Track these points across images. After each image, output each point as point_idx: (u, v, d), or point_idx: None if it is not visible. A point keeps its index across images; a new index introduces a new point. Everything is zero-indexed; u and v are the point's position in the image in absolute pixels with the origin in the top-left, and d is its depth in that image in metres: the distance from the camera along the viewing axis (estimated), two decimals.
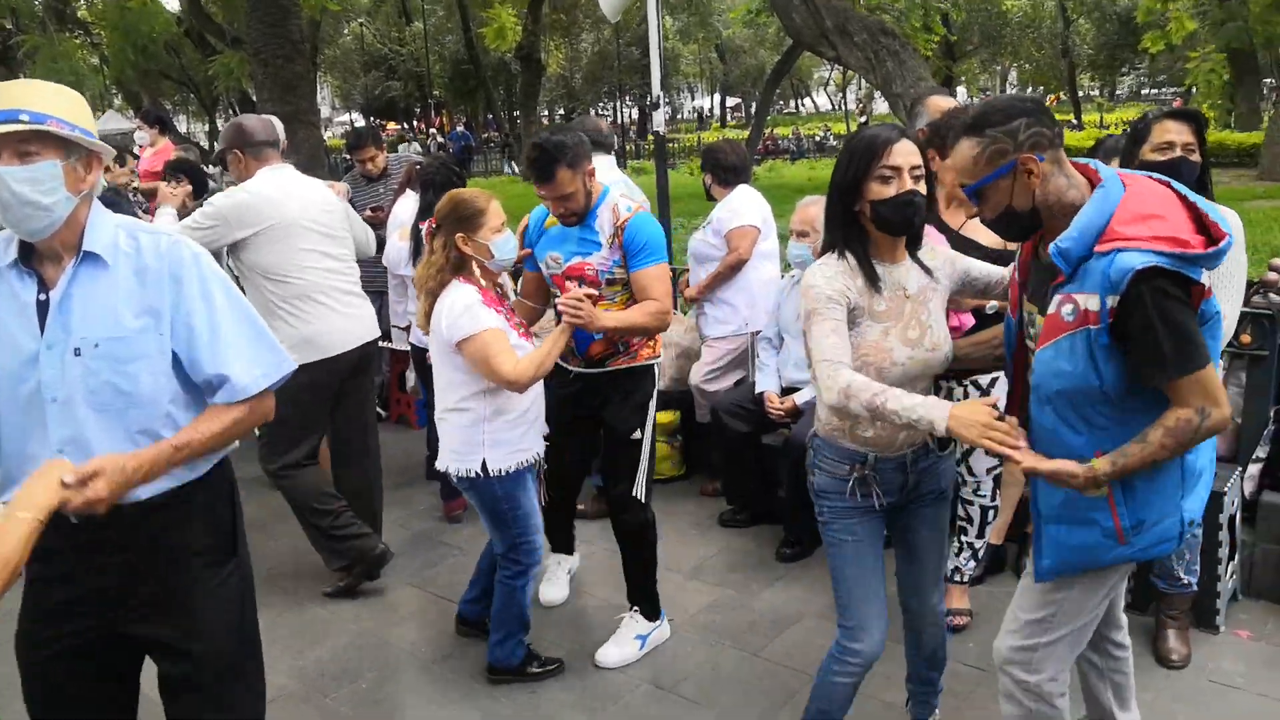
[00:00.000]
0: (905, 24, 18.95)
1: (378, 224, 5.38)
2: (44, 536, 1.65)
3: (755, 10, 22.50)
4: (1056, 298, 1.95)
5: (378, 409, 6.17)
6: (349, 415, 4.05)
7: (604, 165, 4.42)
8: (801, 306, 2.24)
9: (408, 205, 4.59)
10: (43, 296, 1.92)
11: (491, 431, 3.00)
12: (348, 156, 5.76)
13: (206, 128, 37.11)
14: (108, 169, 6.23)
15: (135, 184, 7.31)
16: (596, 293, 3.16)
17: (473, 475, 3.01)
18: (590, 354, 3.30)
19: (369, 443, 4.16)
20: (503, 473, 3.00)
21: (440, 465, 3.09)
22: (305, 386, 3.55)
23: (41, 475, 1.73)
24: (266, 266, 3.66)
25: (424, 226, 3.24)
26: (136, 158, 7.29)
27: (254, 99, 12.97)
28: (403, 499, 4.90)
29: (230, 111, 34.23)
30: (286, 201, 3.66)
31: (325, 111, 46.81)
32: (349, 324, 3.82)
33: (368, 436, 4.15)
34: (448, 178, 4.02)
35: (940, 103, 3.60)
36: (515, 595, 3.19)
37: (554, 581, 3.83)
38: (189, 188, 4.40)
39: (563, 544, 3.89)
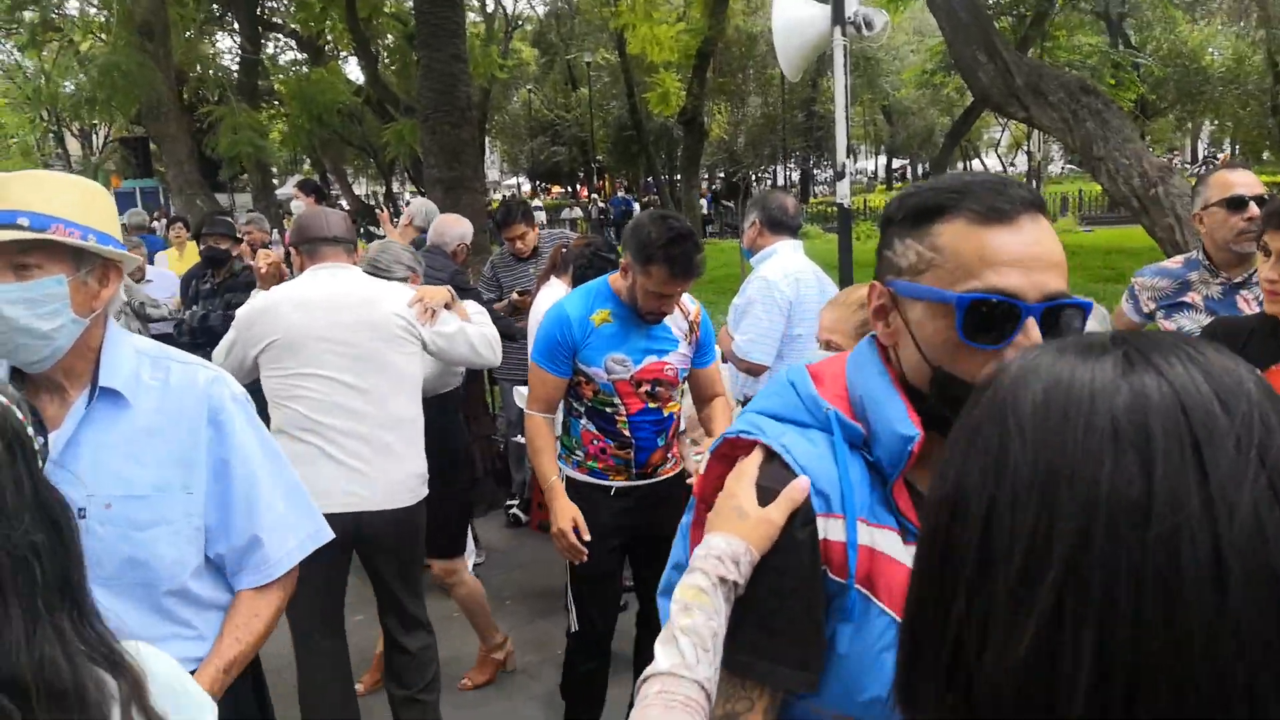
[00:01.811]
0: (1097, 80, 17.68)
1: (524, 309, 4.86)
2: None
3: (930, 70, 21.62)
4: None
5: (517, 513, 5.59)
6: (380, 608, 3.06)
7: (788, 249, 3.71)
8: None
9: (552, 295, 3.94)
10: (40, 440, 1.45)
11: None
12: (497, 233, 5.28)
13: (383, 190, 38.96)
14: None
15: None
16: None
17: None
18: (649, 464, 2.97)
19: (405, 648, 3.06)
20: None
21: None
22: None
23: None
24: (270, 391, 2.84)
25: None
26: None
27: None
28: (536, 638, 4.13)
29: (404, 175, 35.79)
30: (297, 310, 2.81)
31: (493, 175, 48.45)
32: (343, 481, 2.78)
33: (406, 636, 3.05)
34: (602, 268, 3.40)
35: (1233, 177, 2.80)
36: None
37: None
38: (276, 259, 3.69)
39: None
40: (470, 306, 3.29)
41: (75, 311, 1.53)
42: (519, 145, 44.67)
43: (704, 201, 30.45)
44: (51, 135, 33.62)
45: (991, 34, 11.69)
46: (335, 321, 2.81)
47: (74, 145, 36.12)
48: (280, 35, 24.73)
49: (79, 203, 1.54)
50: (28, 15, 19.07)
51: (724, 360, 3.76)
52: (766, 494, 1.07)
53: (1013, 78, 11.73)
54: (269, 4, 22.93)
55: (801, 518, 1.06)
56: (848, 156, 4.84)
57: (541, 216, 30.43)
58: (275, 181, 22.79)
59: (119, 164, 21.54)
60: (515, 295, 4.91)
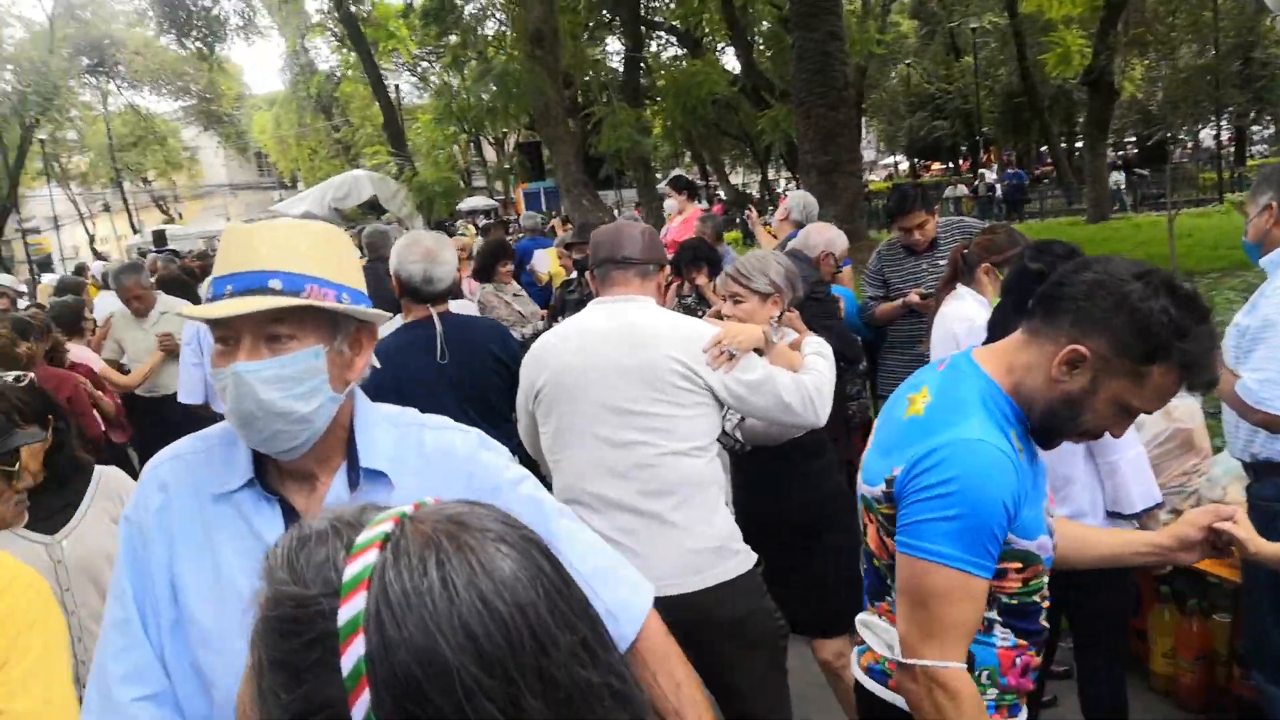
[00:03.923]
0: None
1: (924, 313, 4.11)
2: None
3: None
4: None
5: None
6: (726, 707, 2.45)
7: None
8: None
9: (962, 311, 3.07)
10: None
11: None
12: (889, 223, 4.50)
13: (759, 179, 39.34)
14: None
15: None
16: None
17: None
18: None
19: None
20: None
21: None
22: None
23: None
24: (545, 450, 2.48)
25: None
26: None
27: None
28: None
29: (779, 163, 35.78)
30: (563, 353, 2.42)
31: (869, 155, 47.02)
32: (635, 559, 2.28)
33: None
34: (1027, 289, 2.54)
35: None
36: None
37: None
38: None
39: None
40: (812, 346, 2.63)
41: (333, 387, 1.29)
42: (897, 123, 42.95)
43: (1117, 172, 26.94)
44: (472, 145, 37.80)
45: None
46: (603, 366, 2.35)
47: (490, 154, 40.41)
48: (662, 32, 25.59)
49: (328, 256, 1.30)
50: (451, 39, 21.38)
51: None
52: None
53: None
54: (652, 3, 23.80)
55: None
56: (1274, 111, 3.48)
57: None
58: (658, 176, 23.63)
59: (517, 168, 23.59)
60: (916, 296, 4.13)
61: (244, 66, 63.70)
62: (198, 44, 28.63)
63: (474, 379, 2.90)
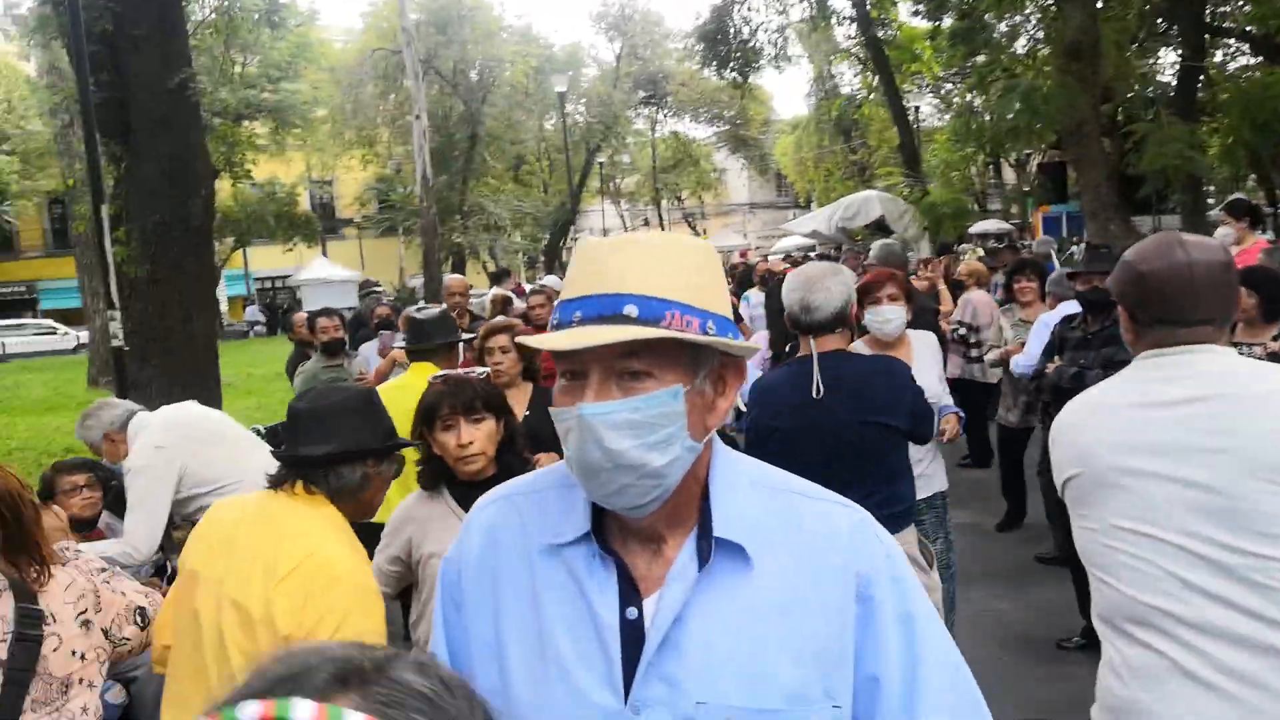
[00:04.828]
0: None
1: None
2: None
3: None
4: None
5: None
6: None
7: None
8: None
9: None
10: (631, 613, 1.11)
11: None
12: None
13: None
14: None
15: None
16: None
17: None
18: None
19: None
20: None
21: None
22: None
23: None
24: (1082, 552, 1.95)
25: None
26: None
27: None
28: None
29: None
30: (1107, 426, 1.89)
31: None
32: (1212, 712, 1.67)
33: None
34: None
35: None
36: None
37: None
38: None
39: None
40: None
41: (690, 434, 1.09)
42: None
43: None
44: (990, 166, 36.22)
45: None
46: (1176, 448, 1.78)
47: (1010, 176, 38.43)
48: (1230, 40, 22.26)
49: (693, 276, 1.09)
50: (979, 58, 20.68)
51: None
52: None
53: None
54: (1219, 8, 20.80)
55: None
56: None
57: None
58: (1210, 201, 20.59)
59: (1036, 190, 22.08)
60: None
61: (773, 93, 68.17)
62: (734, 74, 30.97)
63: (846, 427, 2.67)
